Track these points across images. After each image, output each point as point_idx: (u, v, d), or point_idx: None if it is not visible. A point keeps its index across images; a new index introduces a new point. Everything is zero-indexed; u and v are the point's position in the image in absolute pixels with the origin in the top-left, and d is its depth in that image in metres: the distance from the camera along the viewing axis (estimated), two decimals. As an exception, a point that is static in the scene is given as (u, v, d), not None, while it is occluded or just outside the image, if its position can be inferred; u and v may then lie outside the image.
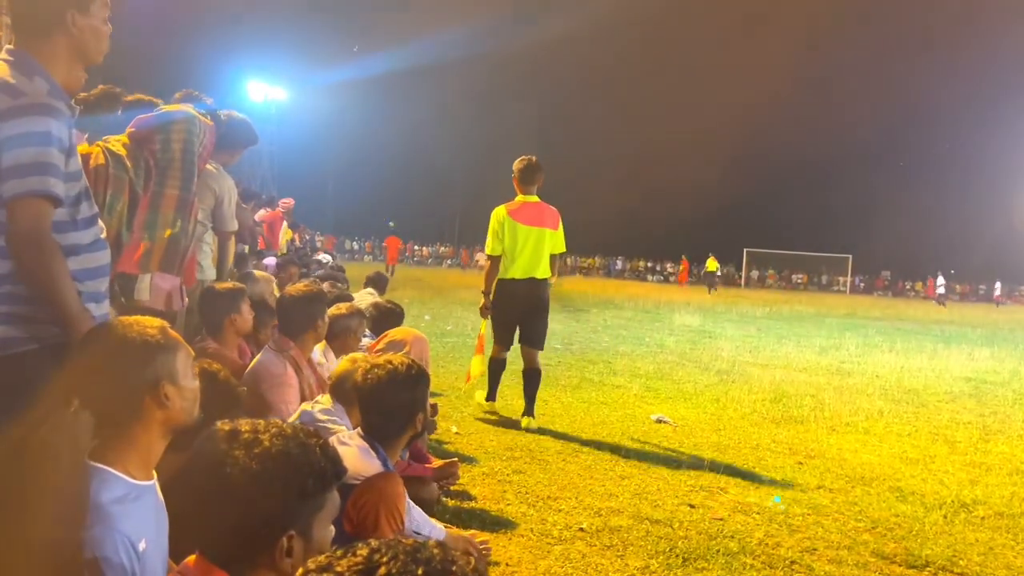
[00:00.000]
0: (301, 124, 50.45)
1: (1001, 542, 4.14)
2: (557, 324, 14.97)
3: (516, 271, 6.25)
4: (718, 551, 3.72)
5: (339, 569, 0.90)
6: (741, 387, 8.57)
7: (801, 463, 5.49)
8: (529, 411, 6.11)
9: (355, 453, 2.61)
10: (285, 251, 11.76)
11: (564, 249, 6.56)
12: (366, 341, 5.16)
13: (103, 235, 2.37)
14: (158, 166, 3.26)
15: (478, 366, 6.54)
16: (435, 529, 3.05)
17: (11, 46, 2.22)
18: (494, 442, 5.50)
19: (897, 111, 69.58)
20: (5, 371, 2.05)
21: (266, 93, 42.46)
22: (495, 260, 6.38)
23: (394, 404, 2.77)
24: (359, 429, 2.82)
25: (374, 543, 0.93)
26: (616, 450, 5.49)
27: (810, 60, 68.87)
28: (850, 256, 56.85)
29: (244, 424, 1.60)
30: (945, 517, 4.48)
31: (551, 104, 69.76)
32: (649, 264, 64.33)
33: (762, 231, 59.41)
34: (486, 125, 65.29)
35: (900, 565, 3.73)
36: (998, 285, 52.06)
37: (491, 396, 6.56)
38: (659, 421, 6.53)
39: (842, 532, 4.12)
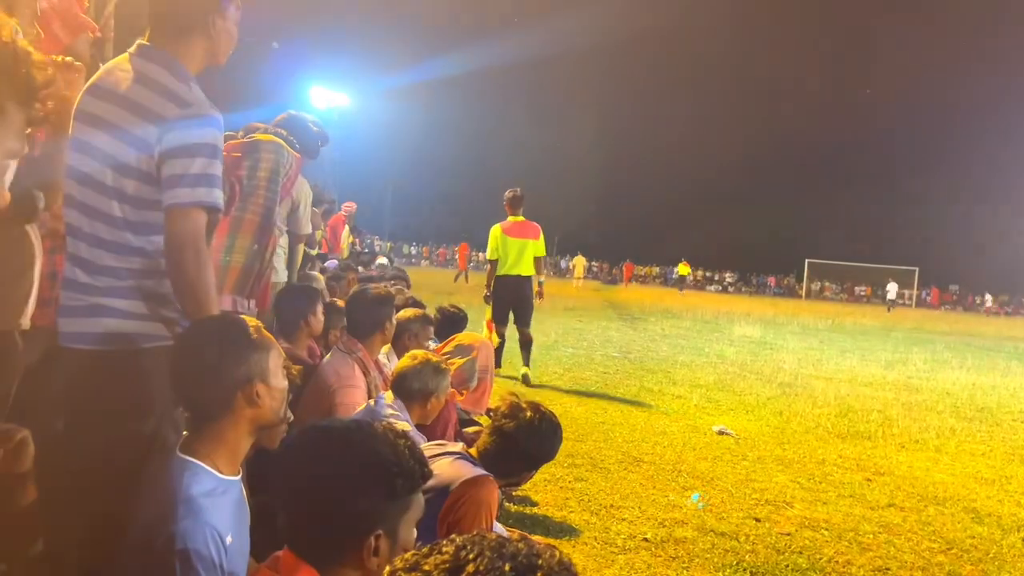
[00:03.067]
0: (362, 130, 51.16)
1: (1085, 569, 3.97)
2: (614, 332, 14.90)
3: (508, 270, 8.59)
4: (787, 567, 3.64)
5: (427, 567, 0.90)
6: (804, 400, 8.39)
7: (869, 480, 5.35)
8: (526, 363, 8.51)
9: (451, 460, 2.65)
10: (347, 255, 11.95)
11: (544, 253, 8.99)
12: (431, 345, 5.20)
13: None
14: (243, 191, 3.33)
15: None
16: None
17: (145, 42, 2.22)
18: (555, 449, 5.48)
19: (967, 120, 67.50)
20: (142, 365, 2.10)
21: (329, 99, 43.19)
22: (493, 263, 8.74)
23: (525, 452, 2.79)
24: (463, 447, 2.84)
25: (459, 540, 0.93)
26: (678, 461, 5.43)
27: (872, 61, 67.22)
28: (916, 269, 55.21)
29: (336, 423, 1.63)
30: (1023, 540, 4.32)
31: (612, 109, 69.39)
32: (708, 274, 63.48)
33: (826, 242, 58.18)
34: (545, 131, 65.44)
35: (978, 589, 3.61)
36: (988, 297, 51.04)
37: (496, 363, 7.91)
38: (721, 433, 6.43)
39: (915, 552, 4.00)
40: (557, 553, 0.93)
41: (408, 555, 0.94)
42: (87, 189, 2.12)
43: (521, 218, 8.83)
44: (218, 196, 2.14)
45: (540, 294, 9.16)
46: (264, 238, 3.43)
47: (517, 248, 8.66)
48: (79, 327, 2.11)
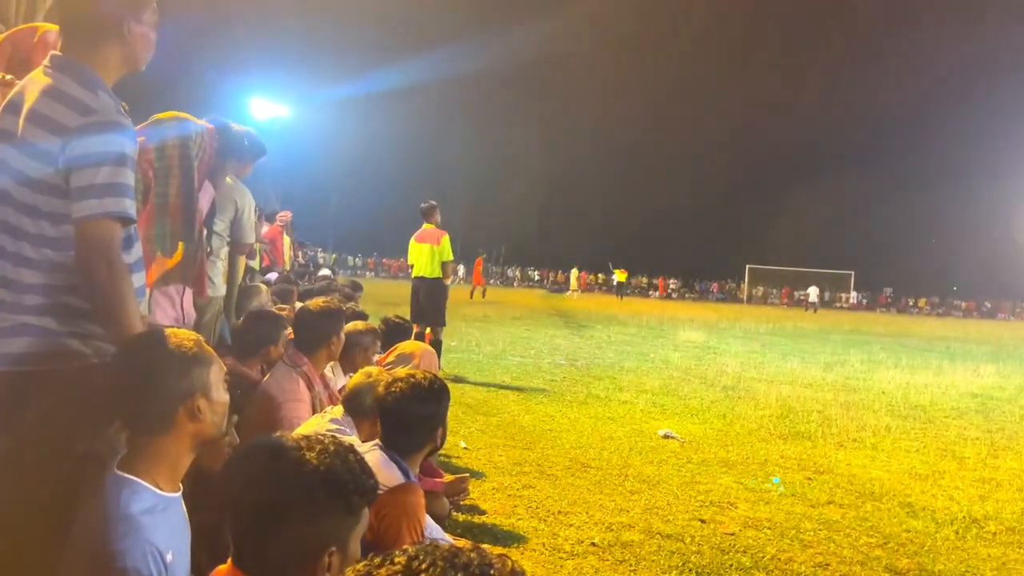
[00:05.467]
0: (305, 141, 50.59)
1: (1014, 557, 4.12)
2: (561, 340, 14.98)
3: (416, 272, 9.64)
4: (731, 566, 3.70)
5: None
6: (747, 403, 8.55)
7: (810, 479, 5.47)
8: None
9: (375, 464, 2.61)
10: (289, 267, 11.77)
11: (451, 258, 9.67)
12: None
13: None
14: (157, 176, 3.21)
15: None
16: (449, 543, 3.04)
17: (57, 52, 2.15)
18: (503, 457, 5.49)
19: (897, 125, 69.96)
20: (69, 383, 2.04)
21: (269, 110, 42.62)
22: (412, 267, 9.81)
23: (416, 417, 2.77)
24: (377, 441, 2.82)
25: (411, 550, 0.92)
26: (624, 465, 5.48)
27: (806, 72, 69.22)
28: (852, 273, 56.85)
29: (286, 439, 1.59)
30: (957, 533, 4.46)
31: (551, 121, 69.95)
32: (652, 281, 64.31)
33: (764, 249, 59.53)
34: (487, 142, 65.62)
35: (913, 580, 3.71)
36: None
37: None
38: (666, 437, 6.51)
39: (854, 547, 4.10)
40: (509, 562, 0.93)
41: (359, 565, 0.93)
42: (7, 207, 2.06)
43: (431, 226, 9.63)
44: (128, 206, 2.08)
45: (446, 298, 9.82)
46: (192, 218, 3.30)
47: (421, 252, 9.56)
48: (1, 348, 2.04)
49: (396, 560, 0.91)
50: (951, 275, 63.69)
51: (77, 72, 2.11)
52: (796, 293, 61.04)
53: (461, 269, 47.10)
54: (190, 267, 3.44)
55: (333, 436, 1.74)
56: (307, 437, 1.62)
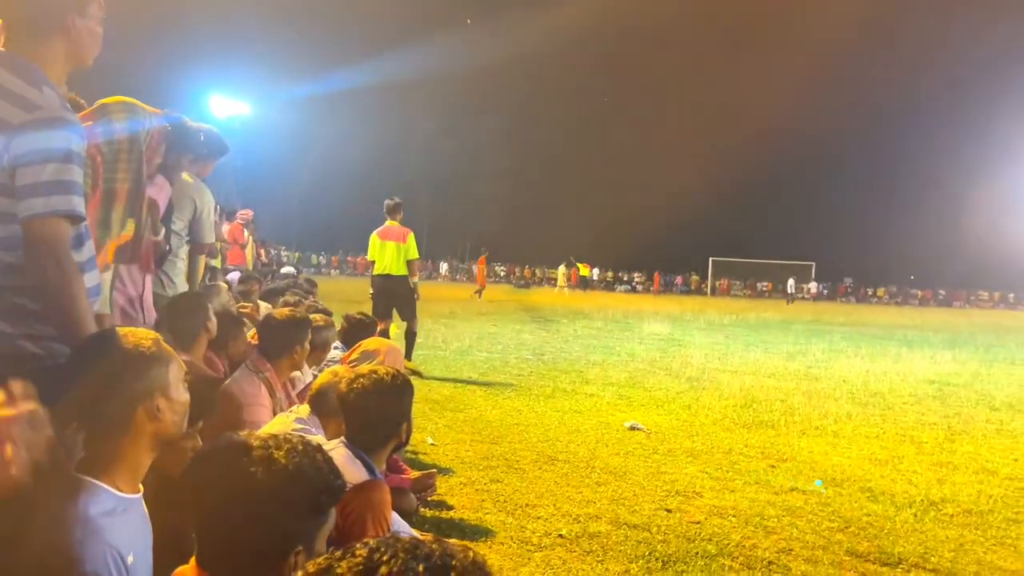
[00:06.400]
0: (266, 139, 49.95)
1: (971, 538, 4.23)
2: (528, 335, 15.01)
3: (380, 270, 9.55)
4: (697, 554, 3.75)
5: (339, 571, 0.89)
6: (712, 393, 8.65)
7: (774, 466, 5.56)
8: (408, 356, 9.14)
9: (341, 461, 2.60)
10: (252, 266, 11.63)
11: (416, 256, 9.70)
12: (336, 353, 5.12)
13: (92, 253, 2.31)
14: (105, 160, 3.14)
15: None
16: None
17: (1, 48, 2.10)
18: (470, 452, 5.49)
19: (854, 119, 71.19)
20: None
21: (229, 108, 42.03)
22: (372, 264, 9.72)
23: (379, 413, 2.76)
24: (343, 438, 2.80)
25: (372, 543, 0.92)
26: (591, 457, 5.51)
27: (762, 68, 70.13)
28: (813, 264, 57.72)
29: (253, 438, 1.57)
30: (915, 515, 4.56)
31: (517, 119, 69.96)
32: (619, 275, 64.72)
33: (728, 241, 60.24)
34: (452, 141, 65.46)
35: (874, 563, 3.79)
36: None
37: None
38: (632, 428, 6.56)
39: (816, 532, 4.18)
40: (471, 553, 0.93)
41: (320, 559, 0.92)
42: None
43: (395, 224, 9.68)
44: (76, 204, 2.03)
45: (416, 294, 9.81)
46: (139, 202, 3.23)
47: (386, 250, 9.56)
48: None
49: (357, 552, 0.91)
50: (908, 265, 64.98)
51: (20, 68, 2.05)
52: (759, 284, 61.99)
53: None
54: (137, 243, 3.36)
55: (300, 435, 1.73)
56: (274, 436, 1.60)
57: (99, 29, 2.23)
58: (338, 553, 0.92)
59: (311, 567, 0.92)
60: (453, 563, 0.90)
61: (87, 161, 3.06)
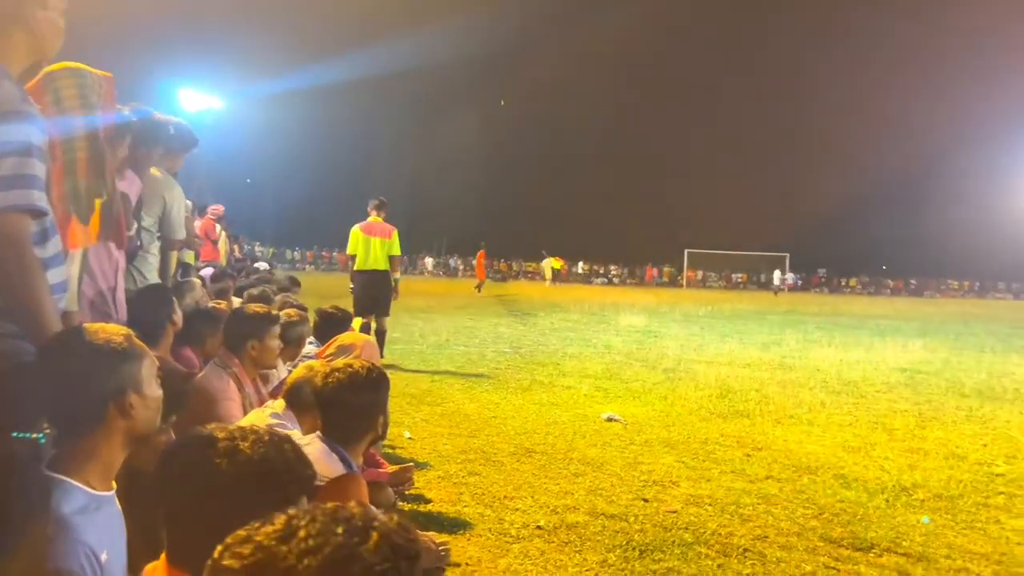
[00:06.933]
0: (238, 134, 49.44)
1: (941, 523, 4.30)
2: (505, 328, 15.01)
3: (363, 265, 9.59)
4: (673, 542, 3.78)
5: (258, 538, 0.88)
6: (688, 384, 8.71)
7: (749, 455, 5.61)
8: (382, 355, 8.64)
9: (317, 455, 2.59)
10: (225, 262, 11.52)
11: (399, 252, 9.85)
12: (311, 348, 5.09)
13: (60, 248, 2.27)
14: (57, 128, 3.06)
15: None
16: None
17: None
18: (448, 446, 5.49)
19: (825, 108, 71.84)
20: None
21: (200, 102, 41.54)
22: (352, 258, 9.76)
23: (355, 407, 2.75)
24: (319, 432, 2.79)
25: (292, 511, 0.92)
26: (569, 449, 5.54)
27: (740, 53, 70.55)
28: (787, 255, 58.26)
29: (218, 431, 1.56)
30: (887, 501, 4.63)
31: (490, 113, 69.76)
32: (594, 267, 64.88)
33: (702, 232, 60.58)
34: (425, 135, 65.26)
35: (847, 548, 3.84)
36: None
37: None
38: (609, 419, 6.60)
39: (791, 519, 4.23)
40: (395, 516, 0.94)
41: (240, 531, 0.92)
42: None
43: (379, 219, 9.79)
44: (37, 198, 1.99)
45: (396, 291, 9.90)
46: (101, 169, 3.15)
47: (370, 245, 9.63)
48: None
49: (276, 520, 0.91)
50: (880, 255, 65.80)
51: None
52: (734, 276, 62.47)
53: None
54: (107, 220, 3.30)
55: (269, 427, 1.72)
56: (241, 428, 1.59)
57: (61, 21, 2.18)
58: (257, 524, 0.92)
59: (230, 540, 0.92)
60: (375, 524, 0.90)
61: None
